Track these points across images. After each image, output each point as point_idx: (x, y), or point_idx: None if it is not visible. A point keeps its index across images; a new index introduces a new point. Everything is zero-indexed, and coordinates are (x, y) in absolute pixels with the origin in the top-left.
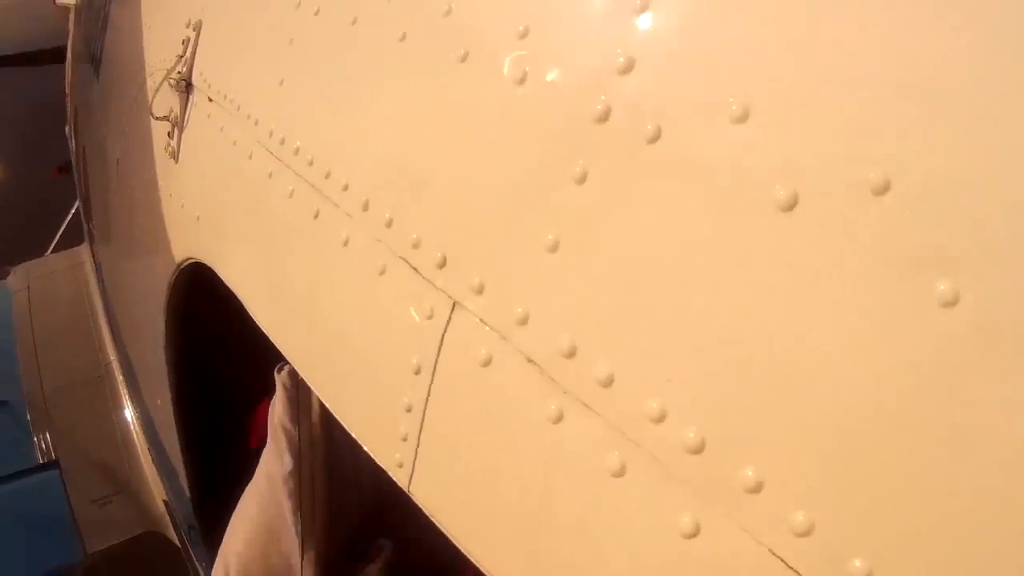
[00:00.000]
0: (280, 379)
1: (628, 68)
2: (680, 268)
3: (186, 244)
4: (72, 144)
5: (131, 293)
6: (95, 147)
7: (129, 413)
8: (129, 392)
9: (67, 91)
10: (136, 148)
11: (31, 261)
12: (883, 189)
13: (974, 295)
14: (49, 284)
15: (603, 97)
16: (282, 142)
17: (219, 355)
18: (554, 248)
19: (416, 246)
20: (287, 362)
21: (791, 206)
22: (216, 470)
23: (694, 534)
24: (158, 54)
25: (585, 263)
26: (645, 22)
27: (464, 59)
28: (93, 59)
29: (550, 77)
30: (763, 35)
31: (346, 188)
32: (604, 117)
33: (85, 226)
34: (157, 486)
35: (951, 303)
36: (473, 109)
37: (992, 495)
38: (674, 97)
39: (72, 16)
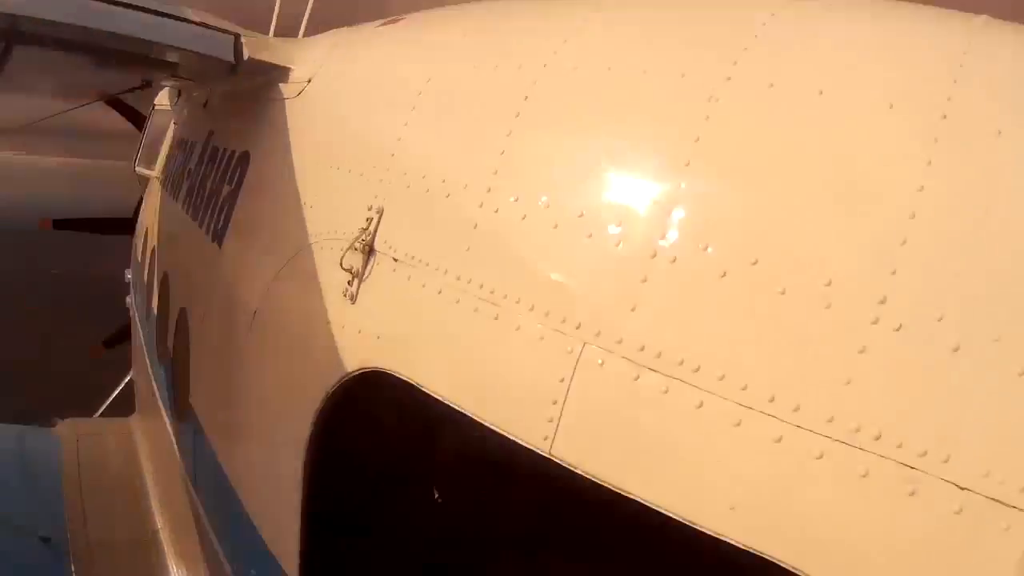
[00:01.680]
0: None
1: None
2: None
3: (362, 357)
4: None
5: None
6: (210, 309)
7: None
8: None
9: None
10: (285, 298)
11: (79, 419)
12: None
13: None
14: (99, 444)
15: None
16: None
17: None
18: None
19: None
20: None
21: None
22: None
23: None
24: (323, 226)
25: None
26: None
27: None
28: (213, 234)
29: None
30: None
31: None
32: None
33: (169, 395)
34: None
35: None
36: None
37: None
38: None
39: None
